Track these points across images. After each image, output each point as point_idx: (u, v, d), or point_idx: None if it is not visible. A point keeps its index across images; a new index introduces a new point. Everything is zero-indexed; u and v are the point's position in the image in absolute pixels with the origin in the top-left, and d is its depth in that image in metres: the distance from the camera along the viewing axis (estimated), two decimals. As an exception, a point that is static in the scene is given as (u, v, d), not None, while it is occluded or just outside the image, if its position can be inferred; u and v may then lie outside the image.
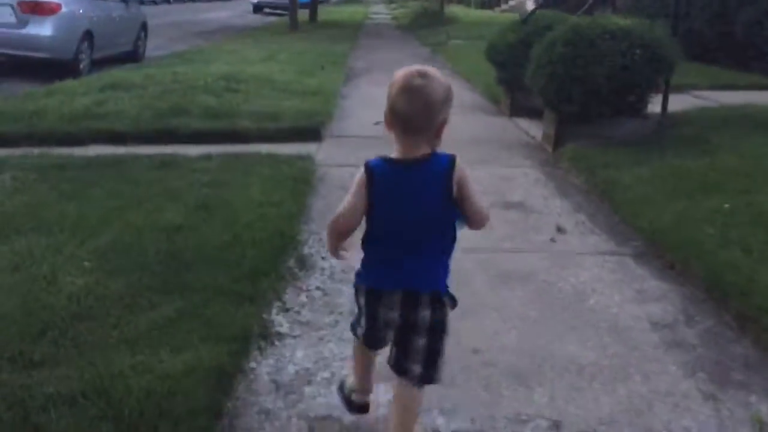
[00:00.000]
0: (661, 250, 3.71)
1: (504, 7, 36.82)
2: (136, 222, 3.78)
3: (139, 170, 4.89)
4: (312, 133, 6.34)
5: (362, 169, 2.04)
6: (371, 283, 2.04)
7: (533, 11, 7.54)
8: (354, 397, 2.30)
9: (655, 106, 6.11)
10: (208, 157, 5.33)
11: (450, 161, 1.99)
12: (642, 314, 3.07)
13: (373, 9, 43.61)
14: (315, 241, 3.87)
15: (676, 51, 5.67)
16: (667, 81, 5.84)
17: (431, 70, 1.96)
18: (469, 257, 3.69)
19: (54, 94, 7.42)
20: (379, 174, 2.01)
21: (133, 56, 13.56)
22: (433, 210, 1.97)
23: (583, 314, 3.08)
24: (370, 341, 2.15)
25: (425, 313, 1.97)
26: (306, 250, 3.72)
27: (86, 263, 3.24)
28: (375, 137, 6.09)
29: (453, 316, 2.06)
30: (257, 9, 35.30)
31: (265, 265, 3.27)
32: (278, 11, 31.29)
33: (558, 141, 5.91)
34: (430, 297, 1.98)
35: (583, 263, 3.64)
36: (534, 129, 7.00)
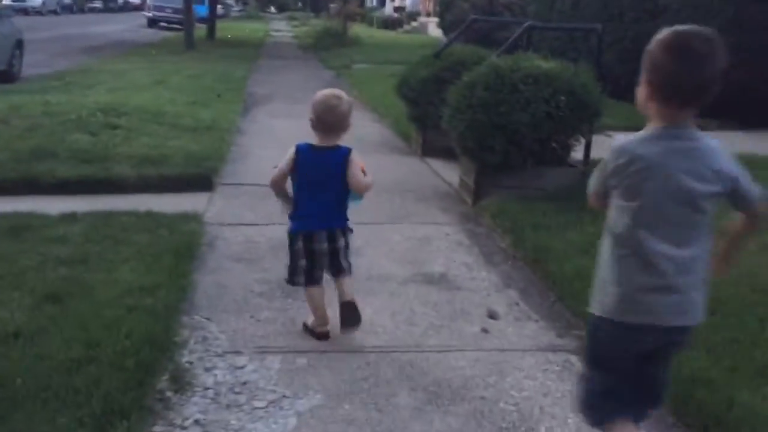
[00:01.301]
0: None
1: (406, 27, 36.85)
2: (-46, 327, 2.91)
3: (-21, 241, 3.97)
4: (202, 181, 5.54)
5: (293, 149, 3.16)
6: (309, 227, 3.15)
7: (446, 45, 7.04)
8: (318, 329, 3.23)
9: (576, 152, 5.70)
10: (72, 218, 4.46)
11: (348, 151, 3.13)
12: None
13: (275, 26, 42.68)
14: (198, 341, 3.12)
15: (601, 97, 5.27)
16: (591, 128, 5.43)
17: (340, 92, 3.18)
18: (389, 359, 3.04)
19: None
20: (302, 153, 3.15)
21: (6, 76, 12.24)
22: (335, 179, 3.13)
23: (533, 450, 2.47)
24: (311, 277, 3.20)
25: (336, 243, 3.17)
26: (185, 359, 2.96)
27: None
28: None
29: None
30: (152, 23, 33.70)
31: (126, 395, 2.48)
32: (174, 26, 29.85)
33: (478, 193, 5.38)
34: (342, 230, 3.21)
35: (523, 365, 3.05)
36: (449, 173, 6.47)
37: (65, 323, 3.00)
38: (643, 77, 1.99)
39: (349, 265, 3.24)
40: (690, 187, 1.96)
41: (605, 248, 2.12)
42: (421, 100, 7.00)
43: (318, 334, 3.21)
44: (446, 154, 7.11)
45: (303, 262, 3.15)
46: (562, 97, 5.04)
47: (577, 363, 3.08)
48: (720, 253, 2.15)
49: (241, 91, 11.18)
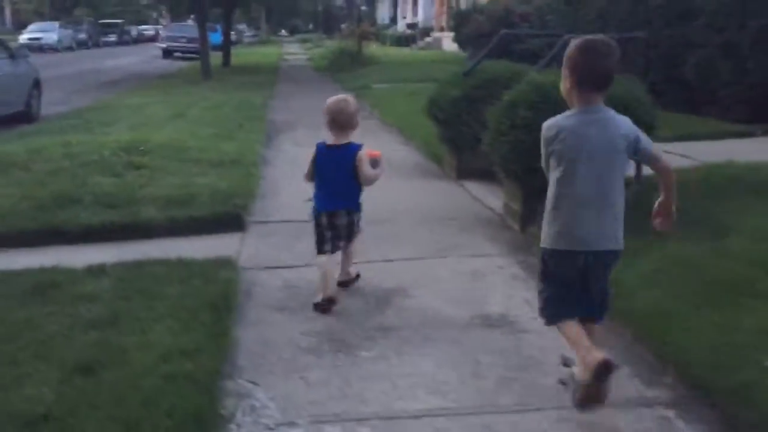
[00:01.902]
0: (707, 394, 2.82)
1: (420, 44, 36.69)
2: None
3: (1, 303, 3.70)
4: (232, 221, 5.25)
5: (315, 148, 3.94)
6: (326, 208, 3.91)
7: (477, 62, 6.74)
8: (324, 298, 3.79)
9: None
10: (100, 271, 4.17)
11: (358, 148, 3.85)
12: None
13: (288, 49, 42.75)
14: (246, 413, 2.80)
15: (654, 111, 4.93)
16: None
17: (347, 96, 4.05)
18: (460, 424, 2.69)
19: None
20: (320, 152, 3.91)
21: (26, 116, 12.15)
22: (346, 172, 3.83)
23: None
24: (333, 247, 3.93)
25: (352, 218, 3.94)
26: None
27: None
28: (308, 221, 5.16)
29: None
30: (167, 54, 33.82)
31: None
32: (189, 55, 29.88)
33: (526, 218, 5.04)
34: (354, 210, 3.96)
35: (615, 425, 2.70)
36: (489, 197, 6.14)
37: (99, 399, 2.70)
38: (565, 74, 2.77)
39: (356, 235, 4.04)
40: (604, 146, 2.67)
41: (548, 196, 2.78)
42: (453, 121, 6.70)
43: (323, 307, 3.77)
44: (483, 176, 6.79)
45: (329, 233, 3.92)
46: (614, 113, 4.69)
47: (675, 419, 2.72)
48: (660, 210, 2.81)
49: (261, 119, 10.95)
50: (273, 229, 5.27)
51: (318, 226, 3.94)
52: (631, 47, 7.89)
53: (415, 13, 46.76)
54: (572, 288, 2.83)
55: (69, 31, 41.89)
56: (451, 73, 7.00)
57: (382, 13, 61.65)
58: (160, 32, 38.81)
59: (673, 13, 8.73)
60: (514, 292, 4.03)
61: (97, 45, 46.07)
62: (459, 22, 23.71)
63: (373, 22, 48.82)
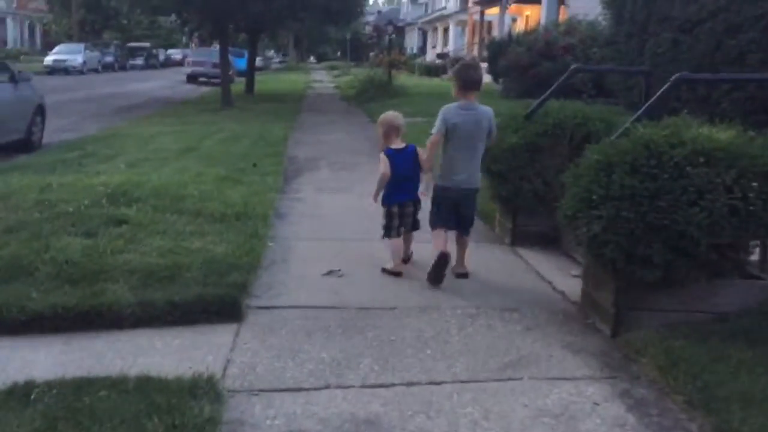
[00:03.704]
0: None
1: (450, 74, 35.60)
2: None
3: None
4: (226, 308, 3.98)
5: (383, 155, 4.80)
6: (398, 200, 4.81)
7: (541, 102, 5.46)
8: (395, 269, 4.75)
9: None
10: (24, 396, 2.92)
11: (414, 147, 4.84)
12: None
13: (315, 76, 41.95)
14: None
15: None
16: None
17: (395, 113, 5.01)
18: None
19: None
20: (392, 155, 4.78)
21: (25, 145, 11.11)
22: (411, 169, 4.80)
23: None
24: (400, 232, 4.83)
25: (418, 207, 4.91)
26: None
27: None
28: (330, 307, 3.90)
29: None
30: (191, 79, 33.10)
31: None
32: (214, 80, 29.03)
33: (620, 318, 3.71)
34: (418, 200, 4.90)
35: None
36: (557, 274, 4.85)
37: None
38: (453, 82, 4.75)
39: (418, 221, 4.95)
40: (474, 131, 4.65)
41: (442, 156, 4.71)
42: (511, 175, 5.41)
43: (396, 272, 4.74)
44: (543, 242, 5.54)
45: (397, 222, 4.82)
46: (754, 183, 3.38)
47: None
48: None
49: (280, 156, 9.75)
50: (278, 319, 3.98)
51: (389, 215, 4.87)
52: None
53: (445, 42, 45.85)
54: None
55: (95, 54, 41.50)
56: (507, 116, 5.71)
57: (411, 42, 60.93)
58: (187, 56, 38.18)
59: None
60: (628, 458, 2.69)
61: (123, 68, 45.69)
62: (495, 53, 22.54)
63: (402, 51, 47.97)
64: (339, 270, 4.78)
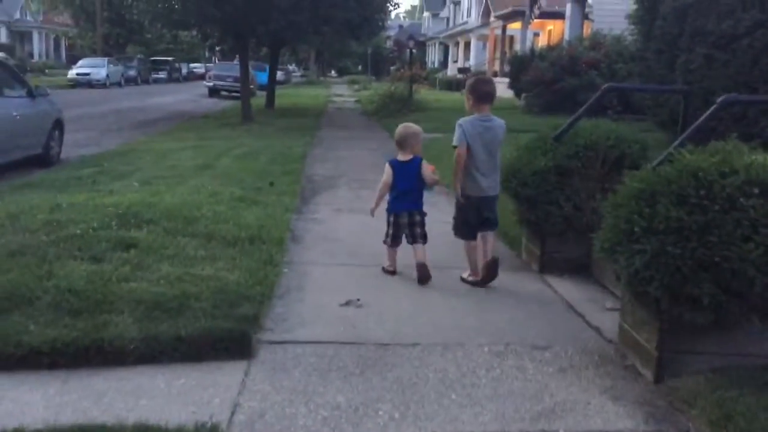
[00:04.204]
0: None
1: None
2: None
3: None
4: (235, 343, 3.71)
5: (387, 164, 5.09)
6: (399, 209, 5.03)
7: (572, 122, 5.16)
8: (389, 269, 5.11)
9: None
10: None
11: (420, 160, 5.05)
12: None
13: (335, 90, 41.90)
14: None
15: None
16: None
17: (410, 124, 5.26)
18: None
19: None
20: (395, 166, 5.05)
21: (43, 160, 10.99)
22: (414, 181, 5.01)
23: None
24: (396, 240, 5.09)
25: (417, 218, 5.04)
26: None
27: None
28: (347, 343, 3.63)
29: None
30: (213, 92, 33.18)
31: None
32: (235, 94, 29.00)
33: (664, 363, 3.39)
34: (418, 212, 5.05)
35: None
36: (590, 307, 4.54)
37: None
38: (467, 96, 4.99)
39: (425, 234, 5.08)
40: (492, 141, 4.88)
41: (466, 170, 4.86)
42: (540, 200, 5.11)
43: (390, 271, 5.17)
44: (572, 268, 5.26)
45: (392, 230, 5.09)
46: (814, 217, 3.06)
47: None
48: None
49: (298, 173, 9.52)
50: (292, 356, 3.70)
51: (390, 223, 5.14)
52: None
53: (466, 57, 45.63)
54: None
55: (119, 67, 41.75)
56: (535, 137, 5.42)
57: (432, 57, 60.80)
58: (208, 71, 38.32)
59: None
60: None
61: (146, 81, 45.99)
62: (517, 69, 22.27)
63: (423, 65, 47.82)
64: (358, 300, 4.50)
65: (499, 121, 4.94)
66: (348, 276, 5.10)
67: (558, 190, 5.07)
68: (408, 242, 5.07)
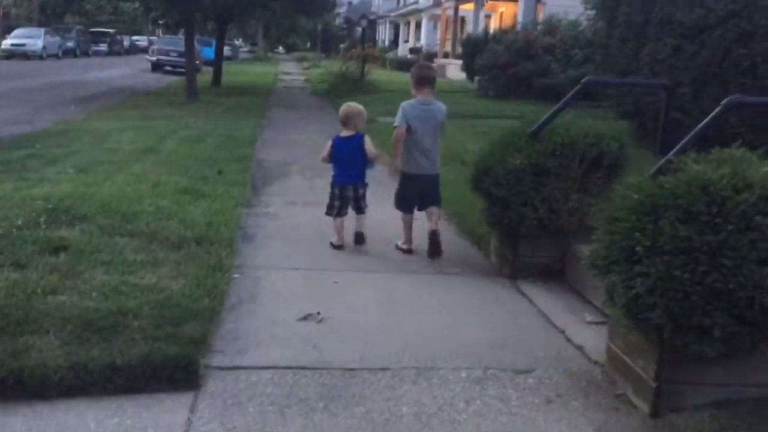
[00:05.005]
0: None
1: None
2: None
3: None
4: (180, 372, 3.23)
5: (330, 141, 5.46)
6: (343, 182, 5.40)
7: (550, 118, 4.78)
8: (336, 243, 5.37)
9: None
10: None
11: (362, 137, 5.38)
12: None
13: (284, 68, 40.89)
14: None
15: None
16: None
17: (353, 103, 5.67)
18: None
19: None
20: (337, 142, 5.41)
21: (-32, 140, 10.13)
22: (357, 155, 5.34)
23: None
24: (340, 210, 5.38)
25: (361, 191, 5.42)
26: None
27: None
28: (308, 368, 3.20)
29: None
30: (156, 67, 31.99)
31: None
32: (180, 70, 27.93)
33: (662, 395, 3.06)
34: (362, 185, 5.42)
35: None
36: (570, 320, 4.20)
37: None
38: (411, 80, 5.35)
39: (365, 206, 5.45)
40: (431, 123, 5.20)
41: (406, 149, 5.22)
42: (513, 201, 4.74)
43: (337, 246, 5.40)
44: (546, 273, 4.93)
45: (338, 203, 5.41)
46: (837, 240, 2.75)
47: None
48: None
49: (248, 159, 8.96)
50: (245, 386, 3.23)
51: (333, 194, 5.46)
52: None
53: (417, 37, 45.13)
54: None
55: (56, 39, 39.82)
56: (508, 131, 5.04)
57: (382, 35, 60.04)
58: (152, 44, 36.92)
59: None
60: None
61: (85, 54, 44.04)
62: (471, 51, 21.94)
63: (375, 44, 47.12)
64: (318, 313, 4.05)
65: (439, 105, 5.32)
66: (305, 281, 4.66)
67: (534, 190, 4.71)
68: (356, 213, 5.44)
